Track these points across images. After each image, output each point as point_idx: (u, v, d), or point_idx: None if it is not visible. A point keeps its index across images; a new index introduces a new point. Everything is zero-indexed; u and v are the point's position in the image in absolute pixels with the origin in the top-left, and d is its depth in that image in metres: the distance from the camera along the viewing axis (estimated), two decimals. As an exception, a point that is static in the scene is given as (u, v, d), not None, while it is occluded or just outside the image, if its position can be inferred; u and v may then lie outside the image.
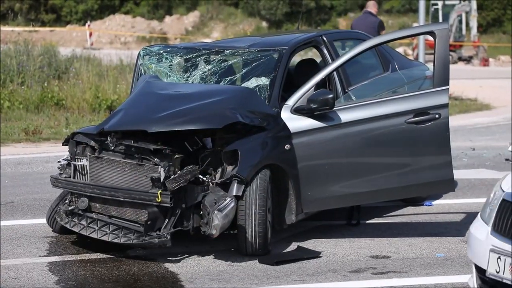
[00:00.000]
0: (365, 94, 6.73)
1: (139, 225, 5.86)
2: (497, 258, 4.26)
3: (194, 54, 6.99)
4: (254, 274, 5.59)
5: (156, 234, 5.80)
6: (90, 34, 34.26)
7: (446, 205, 7.76)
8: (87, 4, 42.19)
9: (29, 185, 8.64)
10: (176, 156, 5.89)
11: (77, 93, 14.17)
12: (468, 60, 31.60)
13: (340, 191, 6.38)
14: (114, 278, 5.52)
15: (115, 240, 5.88)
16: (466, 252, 6.11)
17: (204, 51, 7.01)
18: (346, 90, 6.75)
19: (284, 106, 6.41)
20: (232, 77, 6.83)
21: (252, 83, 6.68)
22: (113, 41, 38.29)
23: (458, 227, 6.90)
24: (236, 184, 5.84)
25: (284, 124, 6.31)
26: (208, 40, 8.35)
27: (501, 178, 4.77)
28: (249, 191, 5.86)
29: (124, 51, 22.96)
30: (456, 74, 19.07)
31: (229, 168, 5.97)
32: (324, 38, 7.03)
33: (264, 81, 6.62)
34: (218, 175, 6.01)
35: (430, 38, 6.75)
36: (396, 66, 7.40)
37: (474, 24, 32.01)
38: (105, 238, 5.91)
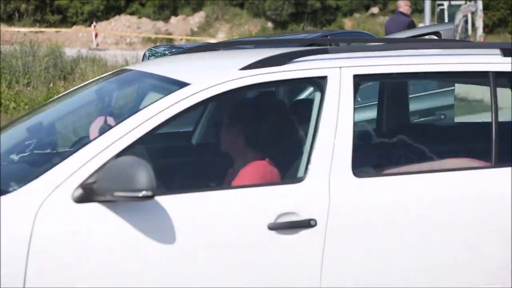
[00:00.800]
0: (369, 95, 6.72)
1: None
2: None
3: (199, 55, 6.99)
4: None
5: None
6: (96, 35, 34.34)
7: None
8: (93, 5, 42.28)
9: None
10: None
11: (83, 93, 14.17)
12: (474, 60, 31.57)
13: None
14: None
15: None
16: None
17: (209, 52, 7.00)
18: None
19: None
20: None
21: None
22: (119, 41, 38.37)
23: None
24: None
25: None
26: (213, 41, 8.35)
27: None
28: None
29: (130, 52, 23.01)
30: (462, 74, 19.00)
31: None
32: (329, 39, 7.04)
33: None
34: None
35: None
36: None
37: (480, 24, 32.00)
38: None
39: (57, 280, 3.21)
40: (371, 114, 6.39)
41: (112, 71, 4.52)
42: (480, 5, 32.07)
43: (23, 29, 29.62)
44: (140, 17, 41.37)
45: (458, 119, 6.78)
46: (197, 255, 3.37)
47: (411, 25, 12.00)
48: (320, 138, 3.58)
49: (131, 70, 4.33)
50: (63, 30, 38.68)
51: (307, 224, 3.47)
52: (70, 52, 18.50)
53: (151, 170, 3.17)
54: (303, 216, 3.47)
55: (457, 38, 29.84)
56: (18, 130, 4.17)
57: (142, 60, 7.22)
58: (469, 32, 32.40)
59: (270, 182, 3.72)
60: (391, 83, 4.71)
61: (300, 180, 3.54)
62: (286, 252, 3.47)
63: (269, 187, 3.59)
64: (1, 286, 3.11)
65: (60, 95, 4.63)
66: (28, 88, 14.38)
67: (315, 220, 3.48)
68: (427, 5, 16.42)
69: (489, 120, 3.85)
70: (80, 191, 3.26)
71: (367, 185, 3.58)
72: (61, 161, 3.33)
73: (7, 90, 14.01)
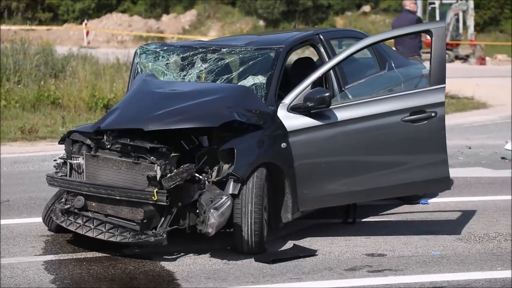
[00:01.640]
0: (361, 92, 6.74)
1: (135, 224, 5.85)
2: None
3: (191, 53, 6.99)
4: (250, 273, 5.59)
5: (152, 232, 5.80)
6: (87, 33, 34.23)
7: (442, 204, 7.77)
8: (84, 3, 42.16)
9: (25, 184, 8.63)
10: (173, 154, 5.89)
11: (74, 91, 14.16)
12: (465, 58, 31.63)
13: (336, 190, 6.38)
14: (110, 276, 5.52)
15: (111, 239, 5.87)
16: (461, 250, 6.13)
17: (201, 50, 7.01)
18: (343, 89, 6.76)
19: (280, 104, 6.40)
20: (229, 75, 6.83)
21: (248, 81, 6.68)
22: (110, 40, 38.28)
23: (454, 225, 6.91)
24: (232, 182, 5.84)
25: (281, 123, 6.31)
26: (205, 39, 8.34)
27: None
28: (245, 189, 5.86)
29: (121, 50, 22.96)
30: (453, 72, 19.08)
31: (226, 166, 5.97)
32: (321, 37, 7.03)
33: (261, 79, 6.62)
34: (214, 174, 6.01)
35: (428, 37, 6.75)
36: (393, 65, 7.41)
37: (471, 23, 32.04)
38: (101, 236, 5.90)
39: None
40: (361, 112, 6.43)
41: None
42: (471, 3, 32.10)
43: (13, 27, 29.50)
44: (131, 15, 41.27)
45: None
46: None
47: (419, 22, 12.11)
48: None
49: None
50: (54, 28, 38.55)
51: None
52: (61, 50, 18.46)
53: None
54: None
55: (448, 37, 29.87)
56: None
57: (133, 58, 7.19)
58: (460, 30, 32.43)
59: None
60: None
61: None
62: None
63: None
64: None
65: None
66: (19, 86, 14.34)
67: None
68: (419, 4, 16.50)
69: None
70: None
71: None
72: None
73: (-2, 88, 13.98)
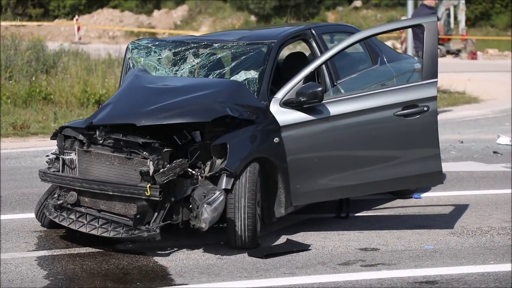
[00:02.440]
0: (354, 87, 6.74)
1: (128, 219, 5.85)
2: None
3: (183, 48, 6.98)
4: (244, 267, 5.59)
5: (145, 228, 5.79)
6: (78, 29, 34.11)
7: (434, 198, 7.78)
8: (75, -2, 42.02)
9: (17, 179, 8.61)
10: (165, 149, 5.88)
11: (65, 87, 14.12)
12: (456, 53, 31.66)
13: (329, 184, 6.39)
14: (103, 272, 5.51)
15: (104, 234, 5.87)
16: (454, 244, 6.15)
17: (192, 45, 7.00)
18: (335, 83, 6.76)
19: (273, 99, 6.40)
20: (221, 70, 6.82)
21: (241, 76, 6.67)
22: (101, 35, 38.16)
23: (447, 219, 6.93)
24: (225, 177, 5.84)
25: (273, 118, 6.31)
26: (197, 34, 8.32)
27: None
28: (238, 184, 5.86)
29: (113, 46, 22.90)
30: (445, 67, 19.11)
31: (218, 161, 5.97)
32: (313, 31, 7.03)
33: (253, 74, 6.62)
34: (207, 169, 6.00)
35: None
36: (385, 59, 7.41)
37: (462, 17, 32.06)
38: (94, 232, 5.90)
39: None
40: (353, 106, 6.43)
41: None
42: (462, -2, 32.12)
43: (4, 23, 29.37)
44: (122, 11, 41.16)
45: None
46: None
47: None
48: None
49: None
50: (45, 23, 38.41)
51: None
52: (52, 45, 18.40)
53: None
54: None
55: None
56: None
57: (125, 53, 7.17)
58: (452, 25, 32.46)
59: None
60: None
61: None
62: None
63: None
64: None
65: None
66: (10, 81, 14.29)
67: None
68: (410, -2, 16.43)
69: None
70: None
71: None
72: None
73: (-11, 84, 13.92)
